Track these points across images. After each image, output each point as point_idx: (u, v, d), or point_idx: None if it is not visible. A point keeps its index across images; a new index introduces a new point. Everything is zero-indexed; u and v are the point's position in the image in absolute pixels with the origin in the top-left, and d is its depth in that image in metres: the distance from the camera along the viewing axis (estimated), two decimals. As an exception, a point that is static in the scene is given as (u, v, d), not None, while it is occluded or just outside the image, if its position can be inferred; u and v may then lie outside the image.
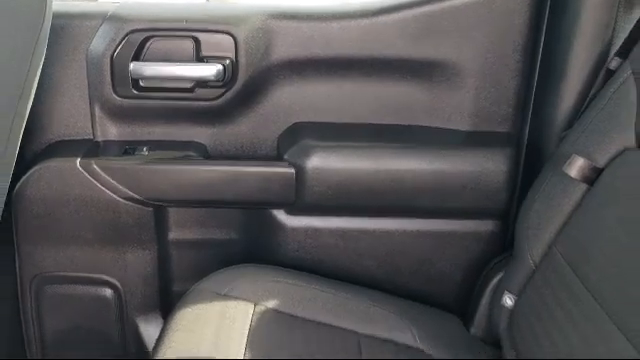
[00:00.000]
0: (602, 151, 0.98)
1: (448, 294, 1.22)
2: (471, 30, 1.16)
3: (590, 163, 0.98)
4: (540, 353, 0.93)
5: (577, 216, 0.98)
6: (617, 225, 0.89)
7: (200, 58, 1.15)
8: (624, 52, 1.05)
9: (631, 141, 0.95)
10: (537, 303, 0.98)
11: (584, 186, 0.99)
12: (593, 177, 0.98)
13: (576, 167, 0.99)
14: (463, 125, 1.21)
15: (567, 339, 0.87)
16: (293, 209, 1.21)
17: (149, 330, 1.26)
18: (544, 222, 1.04)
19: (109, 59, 1.14)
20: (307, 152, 1.18)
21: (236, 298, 1.07)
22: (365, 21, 1.17)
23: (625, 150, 0.95)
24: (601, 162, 0.98)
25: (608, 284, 0.85)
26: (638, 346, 0.74)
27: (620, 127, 0.97)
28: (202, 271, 1.19)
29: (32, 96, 0.99)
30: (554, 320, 0.92)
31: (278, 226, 1.22)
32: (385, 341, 1.06)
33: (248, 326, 1.01)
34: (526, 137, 1.22)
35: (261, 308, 1.06)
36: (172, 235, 1.26)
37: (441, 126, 1.22)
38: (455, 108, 1.21)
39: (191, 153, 1.21)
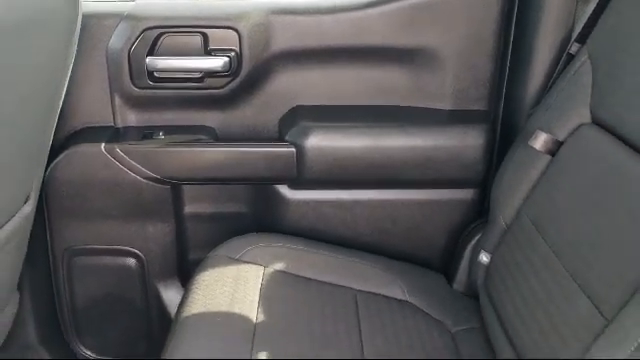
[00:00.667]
0: (562, 126, 1.13)
1: (433, 255, 1.38)
2: (450, 20, 1.29)
3: (552, 137, 1.13)
4: (510, 304, 1.08)
5: (541, 184, 1.13)
6: (573, 190, 1.04)
7: (208, 51, 1.29)
8: (582, 38, 1.19)
9: (586, 117, 1.09)
10: (508, 260, 1.14)
11: (547, 157, 1.14)
12: (555, 149, 1.13)
13: (540, 141, 1.14)
14: (444, 105, 1.36)
15: (534, 294, 1.02)
16: (295, 184, 1.36)
17: (169, 294, 1.42)
18: (514, 189, 1.19)
19: (127, 54, 1.27)
20: (306, 132, 1.32)
21: (248, 262, 1.22)
22: (355, 14, 1.30)
23: (581, 125, 1.10)
24: (561, 136, 1.13)
25: (568, 244, 0.99)
26: (597, 303, 0.87)
27: (577, 105, 1.12)
28: (215, 241, 1.34)
29: (64, 91, 1.13)
30: (523, 275, 1.08)
31: (282, 199, 1.37)
32: (377, 295, 1.22)
33: (259, 286, 1.17)
34: (500, 114, 1.37)
35: (270, 270, 1.21)
36: (187, 209, 1.40)
37: (425, 106, 1.36)
38: (437, 90, 1.35)
39: (202, 136, 1.35)
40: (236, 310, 1.09)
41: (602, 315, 0.84)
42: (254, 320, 1.07)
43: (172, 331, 1.06)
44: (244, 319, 1.06)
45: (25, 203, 1.12)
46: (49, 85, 1.04)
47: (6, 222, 1.03)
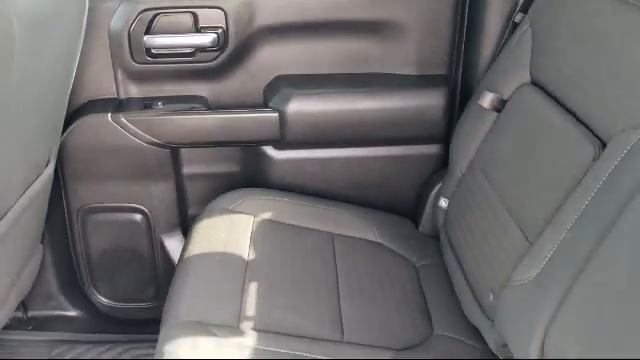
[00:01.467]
0: (507, 86, 1.31)
1: (402, 203, 1.57)
2: None
3: (498, 96, 1.31)
4: (463, 240, 1.27)
5: (489, 137, 1.32)
6: (512, 141, 1.23)
7: (198, 29, 1.45)
8: (525, 8, 1.36)
9: (527, 78, 1.27)
10: (462, 204, 1.33)
11: (494, 114, 1.32)
12: (500, 107, 1.31)
13: (488, 100, 1.32)
14: (409, 70, 1.53)
15: (480, 229, 1.22)
16: (279, 145, 1.54)
17: (172, 244, 1.61)
18: (467, 143, 1.37)
19: (127, 33, 1.44)
20: (287, 99, 1.50)
21: (240, 212, 1.41)
22: None
23: (522, 85, 1.27)
24: (506, 95, 1.31)
25: (506, 185, 1.18)
26: (525, 230, 1.05)
27: (519, 68, 1.29)
28: (211, 197, 1.52)
29: (75, 69, 1.30)
30: (473, 215, 1.27)
31: (268, 159, 1.55)
32: (352, 238, 1.41)
33: (250, 232, 1.36)
34: (459, 78, 1.55)
35: (259, 219, 1.40)
36: (185, 170, 1.59)
37: (392, 72, 1.54)
38: (402, 57, 1.53)
39: (196, 105, 1.52)
40: (230, 251, 1.28)
41: (527, 240, 1.04)
42: (246, 258, 1.26)
43: (177, 272, 1.26)
44: (237, 258, 1.26)
45: (47, 166, 1.31)
46: (64, 66, 1.21)
47: (34, 181, 1.22)
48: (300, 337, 1.06)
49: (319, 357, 1.02)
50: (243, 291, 1.16)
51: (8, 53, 0.89)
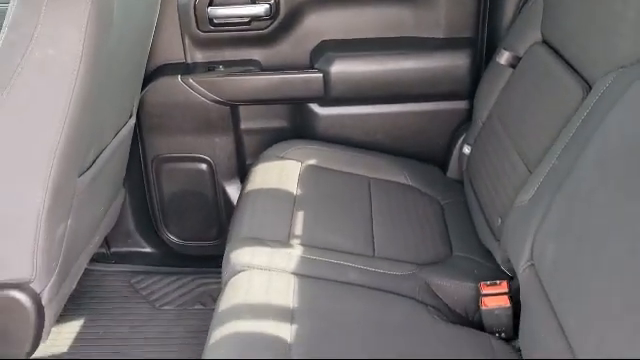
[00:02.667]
0: (521, 45, 1.49)
1: (432, 152, 1.77)
2: None
3: (513, 54, 1.49)
4: (481, 180, 1.47)
5: (505, 90, 1.50)
6: (524, 94, 1.41)
7: (253, 0, 1.68)
8: (541, -25, 1.53)
9: (539, 37, 1.44)
10: (481, 148, 1.53)
11: (510, 70, 1.50)
12: (515, 63, 1.49)
13: (504, 57, 1.50)
14: (439, 34, 1.73)
15: (494, 168, 1.41)
16: (323, 102, 1.76)
17: (232, 189, 1.86)
18: (488, 96, 1.56)
19: (193, 5, 1.68)
20: (330, 61, 1.71)
21: (289, 159, 1.64)
22: None
23: (535, 44, 1.45)
24: (521, 52, 1.49)
25: (516, 130, 1.37)
26: (527, 164, 1.25)
27: (532, 28, 1.47)
28: (265, 149, 1.75)
29: (152, 36, 1.55)
30: (489, 158, 1.47)
31: (314, 115, 1.78)
32: (386, 181, 1.62)
33: (298, 174, 1.59)
34: (485, 39, 1.72)
35: (305, 164, 1.63)
36: (243, 125, 1.83)
37: (423, 35, 1.73)
38: (433, 22, 1.72)
39: (251, 67, 1.76)
40: (281, 187, 1.52)
41: (528, 169, 1.23)
42: (294, 194, 1.49)
43: (237, 204, 1.51)
44: (287, 193, 1.50)
45: (130, 117, 1.57)
46: (145, 32, 1.47)
47: (121, 128, 1.48)
48: (338, 251, 1.30)
49: (353, 265, 1.25)
50: (292, 217, 1.39)
51: (109, 21, 1.14)
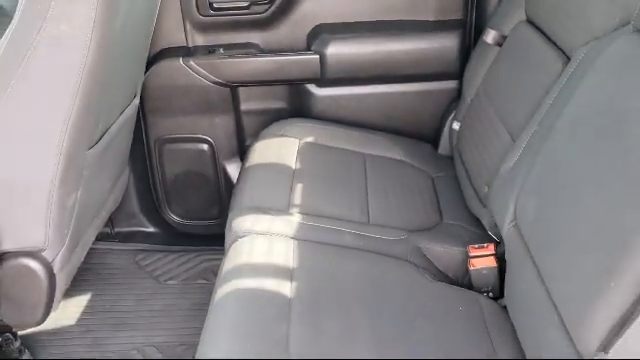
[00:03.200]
0: (507, 24, 1.57)
1: (424, 130, 1.84)
2: None
3: (499, 33, 1.57)
4: (470, 154, 1.55)
5: (492, 67, 1.58)
6: (510, 71, 1.49)
7: (252, -15, 1.76)
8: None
9: (523, 16, 1.52)
10: (469, 124, 1.61)
11: (497, 48, 1.58)
12: (502, 42, 1.57)
13: (491, 36, 1.58)
14: (430, 16, 1.80)
15: (482, 141, 1.49)
16: (320, 83, 1.83)
17: (232, 168, 1.93)
18: (475, 74, 1.64)
19: (194, -10, 1.76)
20: (326, 43, 1.79)
21: (288, 136, 1.72)
22: None
23: (519, 22, 1.53)
24: (506, 31, 1.56)
25: (502, 103, 1.45)
26: (512, 134, 1.33)
27: (517, 7, 1.55)
28: (264, 128, 1.83)
29: (155, 21, 1.63)
30: (477, 132, 1.54)
31: (311, 95, 1.85)
32: (381, 157, 1.70)
33: (296, 150, 1.66)
34: (474, 21, 1.80)
35: (303, 142, 1.71)
36: (243, 106, 1.90)
37: (415, 18, 1.81)
38: (424, 5, 1.79)
39: (251, 50, 1.83)
40: (281, 162, 1.59)
41: (512, 139, 1.31)
42: (293, 167, 1.57)
43: (239, 177, 1.58)
44: (286, 167, 1.57)
45: (134, 98, 1.64)
46: (149, 17, 1.54)
47: (126, 107, 1.56)
48: (335, 219, 1.37)
49: (349, 230, 1.33)
50: (291, 188, 1.47)
51: (116, 8, 1.21)
